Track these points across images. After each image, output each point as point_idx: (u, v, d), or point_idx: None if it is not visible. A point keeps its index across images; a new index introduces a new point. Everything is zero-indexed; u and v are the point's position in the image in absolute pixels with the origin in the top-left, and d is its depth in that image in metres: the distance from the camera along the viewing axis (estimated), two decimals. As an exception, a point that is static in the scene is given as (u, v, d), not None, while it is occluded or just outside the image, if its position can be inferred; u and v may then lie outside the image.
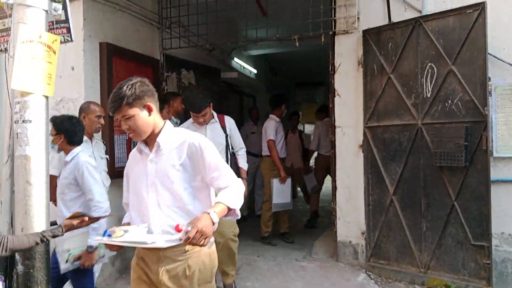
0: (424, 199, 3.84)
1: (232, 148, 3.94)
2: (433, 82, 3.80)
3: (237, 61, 8.11)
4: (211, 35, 5.25)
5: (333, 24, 4.56)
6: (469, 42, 3.58)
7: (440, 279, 3.82)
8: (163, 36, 5.20)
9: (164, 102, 4.37)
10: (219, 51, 6.78)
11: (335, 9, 4.54)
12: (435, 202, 3.78)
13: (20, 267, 2.17)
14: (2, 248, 1.96)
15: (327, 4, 4.58)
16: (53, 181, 3.19)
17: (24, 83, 2.19)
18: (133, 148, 4.15)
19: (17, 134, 2.21)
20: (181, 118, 5.25)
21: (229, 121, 3.98)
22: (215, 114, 3.86)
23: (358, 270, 4.32)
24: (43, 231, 2.13)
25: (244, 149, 4.08)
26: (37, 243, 2.07)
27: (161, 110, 4.18)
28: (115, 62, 4.29)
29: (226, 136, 3.83)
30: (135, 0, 4.67)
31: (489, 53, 3.54)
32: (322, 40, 4.58)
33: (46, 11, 2.34)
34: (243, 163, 4.02)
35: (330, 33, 4.59)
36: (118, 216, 2.64)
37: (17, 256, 2.18)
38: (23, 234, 2.13)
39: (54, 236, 2.15)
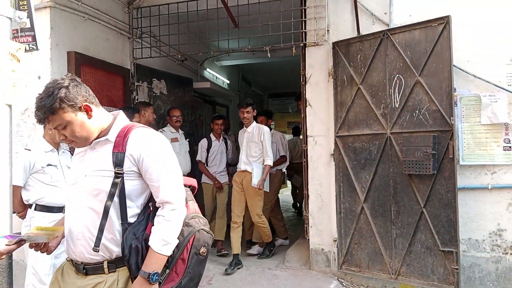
0: (394, 206, 3.90)
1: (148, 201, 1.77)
2: (401, 93, 3.89)
3: (210, 71, 8.11)
4: (182, 46, 5.23)
5: (303, 36, 4.63)
6: (435, 54, 3.70)
7: (410, 285, 3.87)
8: (133, 45, 5.15)
9: (134, 111, 4.32)
10: (191, 62, 6.77)
11: (305, 21, 4.62)
12: (404, 209, 3.85)
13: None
14: None
15: (298, 16, 4.65)
16: (17, 191, 3.10)
17: (-14, 92, 2.12)
18: None
19: (-22, 144, 2.13)
20: (153, 128, 5.20)
21: (139, 143, 1.72)
22: (118, 123, 1.81)
23: (331, 278, 4.34)
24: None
25: (177, 205, 1.71)
26: None
27: (131, 119, 4.16)
28: (84, 71, 4.21)
29: (118, 177, 1.68)
30: (104, 9, 4.62)
31: (454, 65, 3.67)
32: (293, 52, 4.65)
33: (10, 18, 2.28)
34: (164, 233, 1.67)
35: (301, 45, 4.66)
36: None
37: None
38: None
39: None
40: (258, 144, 4.91)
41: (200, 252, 1.78)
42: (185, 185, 1.85)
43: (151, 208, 1.75)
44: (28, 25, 2.56)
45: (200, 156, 5.63)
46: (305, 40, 4.62)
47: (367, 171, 4.09)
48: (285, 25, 4.60)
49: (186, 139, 5.50)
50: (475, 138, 3.90)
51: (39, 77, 3.89)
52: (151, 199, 1.76)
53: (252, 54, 6.99)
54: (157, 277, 1.63)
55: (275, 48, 4.78)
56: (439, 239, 3.64)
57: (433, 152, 3.63)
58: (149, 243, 1.65)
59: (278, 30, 4.62)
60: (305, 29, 4.61)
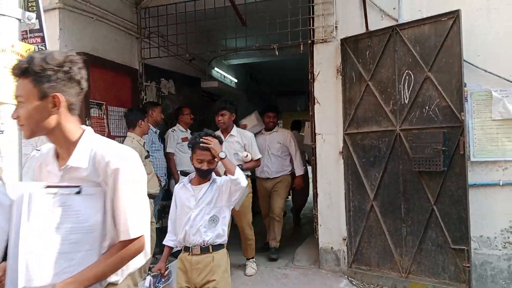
0: (404, 204, 3.87)
1: None
2: (410, 89, 3.86)
3: (218, 71, 8.12)
4: (190, 45, 5.24)
5: (311, 33, 4.61)
6: (445, 49, 3.65)
7: (421, 284, 3.84)
8: (142, 45, 5.17)
9: (143, 112, 4.34)
10: (199, 61, 6.78)
11: (313, 18, 4.59)
12: (414, 207, 3.81)
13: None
14: None
15: (305, 13, 4.63)
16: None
17: (-4, 93, 2.13)
18: None
19: (-12, 145, 2.15)
20: (161, 128, 5.22)
21: None
22: None
23: (340, 277, 4.32)
24: None
25: None
26: None
27: (142, 121, 4.18)
28: (93, 72, 4.22)
29: None
30: (112, 10, 4.64)
31: (464, 60, 3.61)
32: (301, 49, 4.63)
33: (19, 20, 2.29)
34: None
35: (309, 42, 4.64)
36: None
37: None
38: None
39: None
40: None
41: None
42: None
43: None
44: (37, 26, 2.57)
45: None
46: (313, 37, 4.60)
47: (376, 169, 4.06)
48: (293, 22, 4.58)
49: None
50: (486, 133, 3.85)
51: (49, 78, 3.92)
52: None
53: (260, 52, 6.99)
54: None
55: (282, 46, 4.76)
56: (450, 237, 3.60)
57: (443, 148, 3.59)
58: None
59: (286, 27, 4.61)
60: (313, 26, 4.59)
